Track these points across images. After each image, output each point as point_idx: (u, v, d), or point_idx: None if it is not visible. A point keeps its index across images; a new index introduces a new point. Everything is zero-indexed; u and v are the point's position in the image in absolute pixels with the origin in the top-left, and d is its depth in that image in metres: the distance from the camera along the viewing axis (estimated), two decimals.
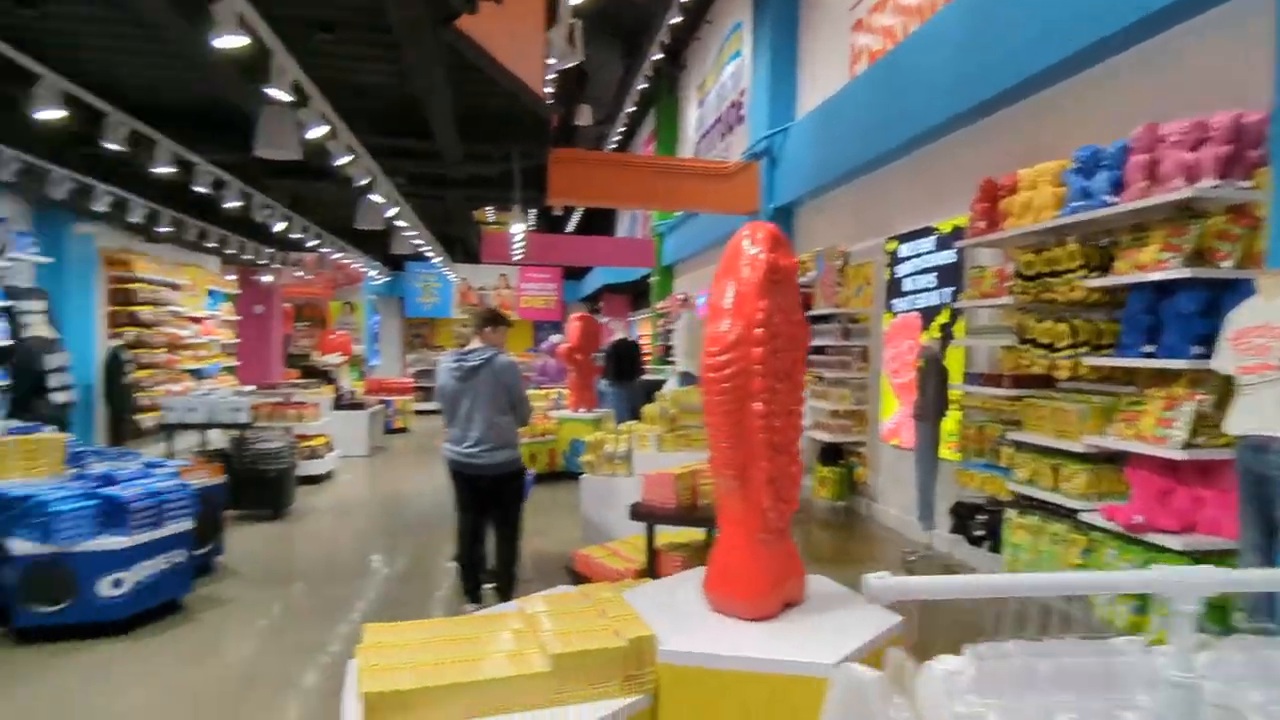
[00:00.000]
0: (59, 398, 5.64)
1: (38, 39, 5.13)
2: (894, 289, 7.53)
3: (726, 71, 13.27)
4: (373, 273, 18.13)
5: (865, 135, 7.55)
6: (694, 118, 15.69)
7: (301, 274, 17.60)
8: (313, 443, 9.66)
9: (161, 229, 9.31)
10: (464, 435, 4.53)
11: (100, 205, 7.81)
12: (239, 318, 14.98)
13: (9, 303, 7.83)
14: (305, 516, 7.76)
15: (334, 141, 5.67)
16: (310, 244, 11.63)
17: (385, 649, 2.11)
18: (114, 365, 9.22)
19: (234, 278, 14.96)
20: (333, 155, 5.86)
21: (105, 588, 4.31)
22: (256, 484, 7.19)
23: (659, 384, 10.33)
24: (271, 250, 13.55)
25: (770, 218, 10.60)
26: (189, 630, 4.63)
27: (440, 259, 15.64)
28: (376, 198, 7.48)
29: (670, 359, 13.47)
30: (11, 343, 6.94)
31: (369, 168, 6.79)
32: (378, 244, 15.01)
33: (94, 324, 9.80)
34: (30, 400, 5.49)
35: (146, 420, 10.38)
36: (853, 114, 7.95)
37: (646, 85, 16.01)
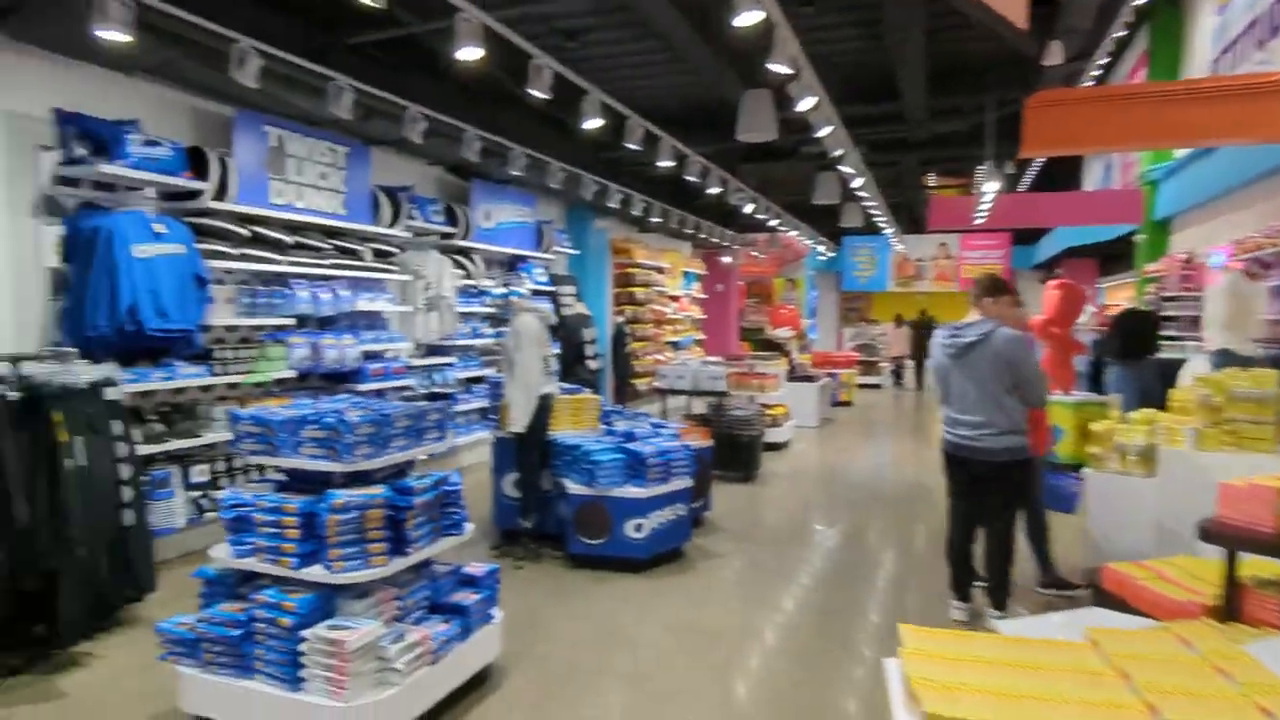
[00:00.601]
0: (592, 365, 6.87)
1: (580, 64, 6.18)
2: None
3: None
4: (820, 248, 18.41)
5: None
6: (1209, 29, 12.21)
7: (755, 254, 18.75)
8: (773, 412, 10.18)
9: (653, 219, 10.72)
10: (958, 417, 4.15)
11: (613, 202, 9.26)
12: (705, 296, 16.67)
13: (552, 287, 9.84)
14: (769, 481, 8.18)
15: (815, 113, 5.70)
16: (771, 223, 12.20)
17: (933, 660, 1.93)
18: (619, 338, 10.96)
19: (701, 260, 16.66)
20: (812, 128, 5.92)
21: (630, 530, 5.05)
22: (731, 448, 7.80)
23: (1175, 364, 8.34)
24: (732, 233, 14.65)
25: None
26: (690, 577, 5.18)
27: (891, 229, 15.12)
28: (846, 169, 7.39)
29: (1182, 333, 10.82)
30: (557, 320, 8.68)
31: (840, 139, 6.72)
32: (827, 219, 15.13)
33: (605, 303, 11.78)
34: (573, 367, 6.80)
35: (640, 385, 12.16)
36: None
37: (1141, 1, 12.99)
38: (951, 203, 14.44)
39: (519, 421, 5.17)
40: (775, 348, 14.25)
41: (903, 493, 7.86)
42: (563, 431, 5.74)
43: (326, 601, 2.95)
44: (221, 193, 5.36)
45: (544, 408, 5.33)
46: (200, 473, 5.24)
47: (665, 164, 7.06)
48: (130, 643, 3.99)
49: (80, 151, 4.68)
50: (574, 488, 5.17)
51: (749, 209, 10.28)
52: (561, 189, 8.44)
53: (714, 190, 8.84)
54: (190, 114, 5.56)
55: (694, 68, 6.63)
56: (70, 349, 4.20)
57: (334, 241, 6.40)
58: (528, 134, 7.54)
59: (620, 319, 11.17)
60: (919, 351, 17.12)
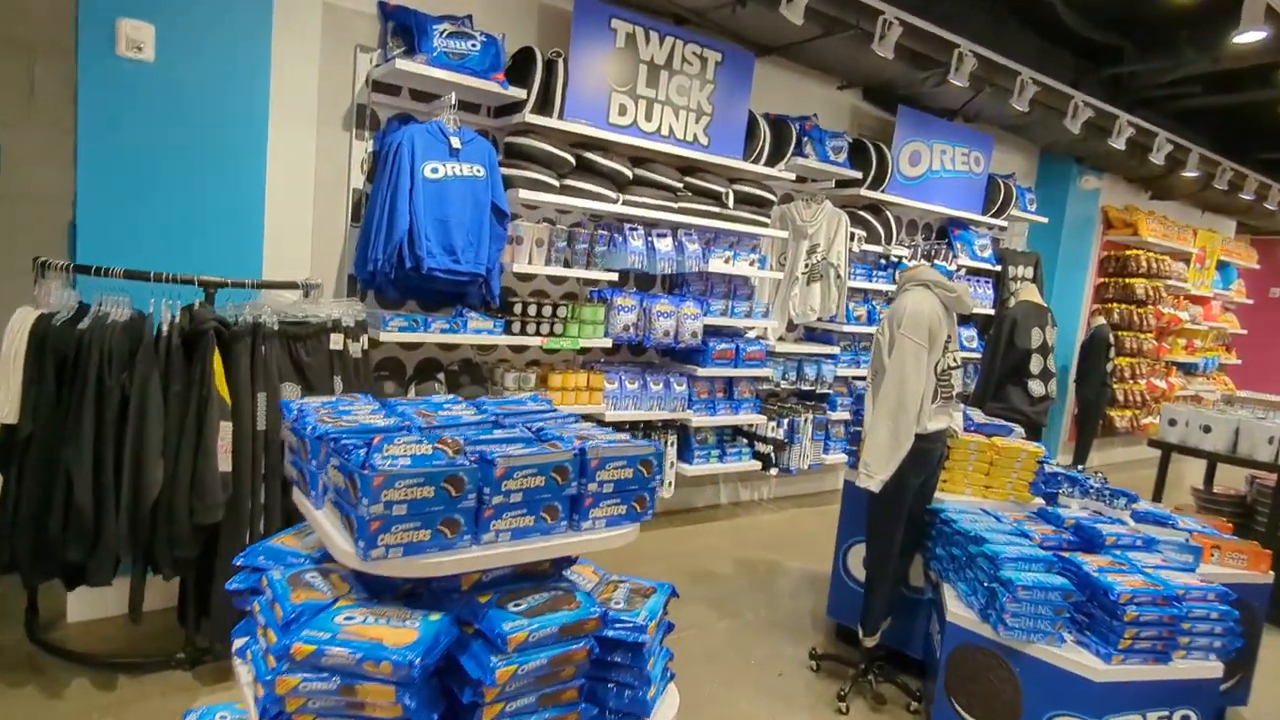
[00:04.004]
0: (1037, 389, 4.21)
1: None
2: None
3: None
4: None
5: None
6: None
7: None
8: None
9: (1187, 173, 7.03)
10: None
11: (1117, 141, 6.08)
12: (1248, 301, 11.41)
13: (997, 267, 7.08)
14: None
15: None
16: None
17: None
18: (1094, 348, 7.60)
19: (1247, 248, 11.38)
20: None
21: None
22: None
23: None
24: None
25: None
26: None
27: None
28: None
29: None
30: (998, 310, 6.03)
31: None
32: None
33: (1083, 296, 8.39)
34: (1004, 388, 4.24)
35: (1119, 420, 8.50)
36: None
37: None
38: None
39: (875, 472, 3.03)
40: None
41: None
42: (958, 498, 3.42)
43: None
44: (545, 105, 4.26)
45: (924, 454, 3.09)
46: None
47: None
48: None
49: (396, 51, 3.96)
50: (957, 610, 2.86)
51: None
52: (1031, 120, 5.68)
53: None
54: (537, 11, 4.56)
55: None
56: (314, 282, 3.46)
57: (688, 179, 4.93)
58: (979, 31, 5.05)
59: (1101, 320, 7.75)
60: None
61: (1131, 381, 8.65)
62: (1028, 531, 3.03)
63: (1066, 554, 2.85)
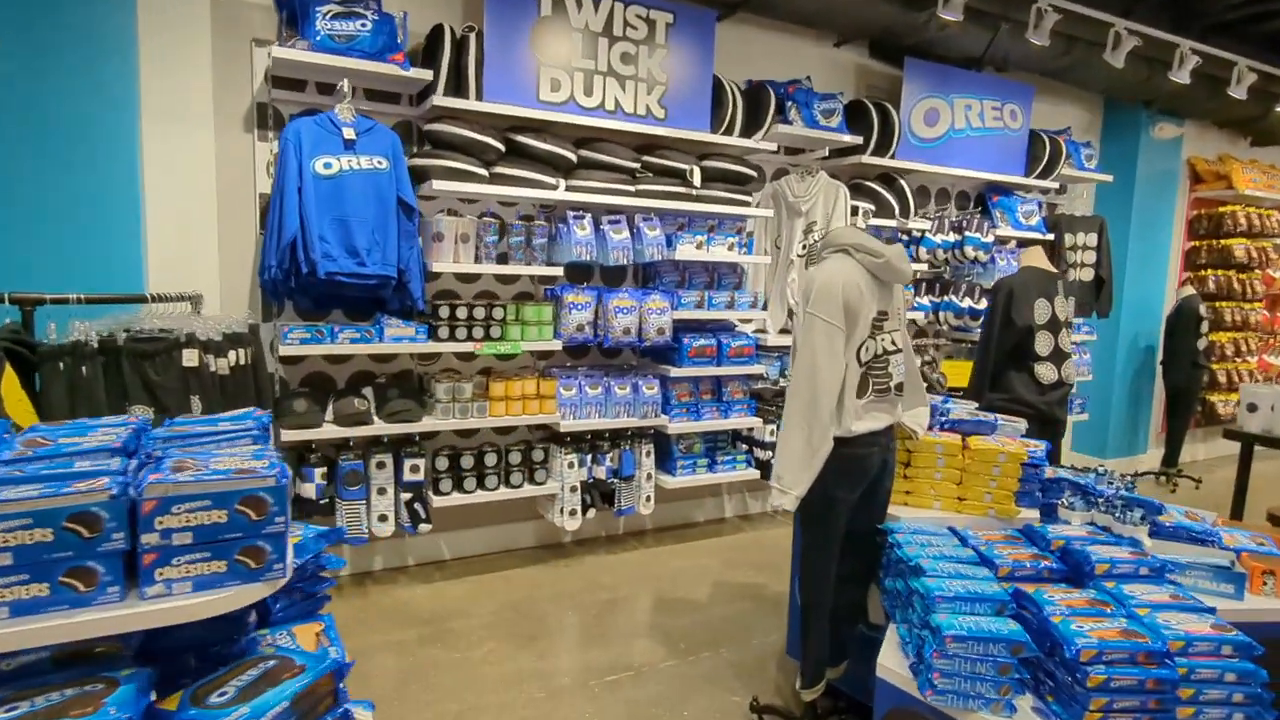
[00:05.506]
0: (1047, 374, 3.40)
1: None
2: None
3: None
4: None
5: None
6: None
7: None
8: None
9: None
10: None
11: (1180, 74, 5.10)
12: None
13: (1047, 235, 6.13)
14: None
15: None
16: None
17: None
18: (1181, 323, 6.49)
19: None
20: None
21: None
22: None
23: None
24: None
25: None
26: None
27: None
28: None
29: None
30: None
31: None
32: None
33: (1166, 264, 7.23)
34: (1005, 373, 3.46)
35: (1223, 405, 7.27)
36: None
37: None
38: None
39: (788, 486, 2.43)
40: None
41: None
42: (923, 514, 2.76)
43: None
44: (459, 86, 3.86)
45: (854, 463, 2.46)
46: (413, 470, 3.93)
47: None
48: None
49: (288, 42, 3.67)
50: (889, 663, 2.22)
51: None
52: (1074, 60, 4.81)
53: None
54: None
55: None
56: (195, 293, 3.19)
57: (647, 158, 4.42)
58: None
59: (1190, 291, 6.63)
60: None
61: (1236, 360, 7.39)
62: (995, 558, 2.35)
63: (1034, 589, 2.16)
